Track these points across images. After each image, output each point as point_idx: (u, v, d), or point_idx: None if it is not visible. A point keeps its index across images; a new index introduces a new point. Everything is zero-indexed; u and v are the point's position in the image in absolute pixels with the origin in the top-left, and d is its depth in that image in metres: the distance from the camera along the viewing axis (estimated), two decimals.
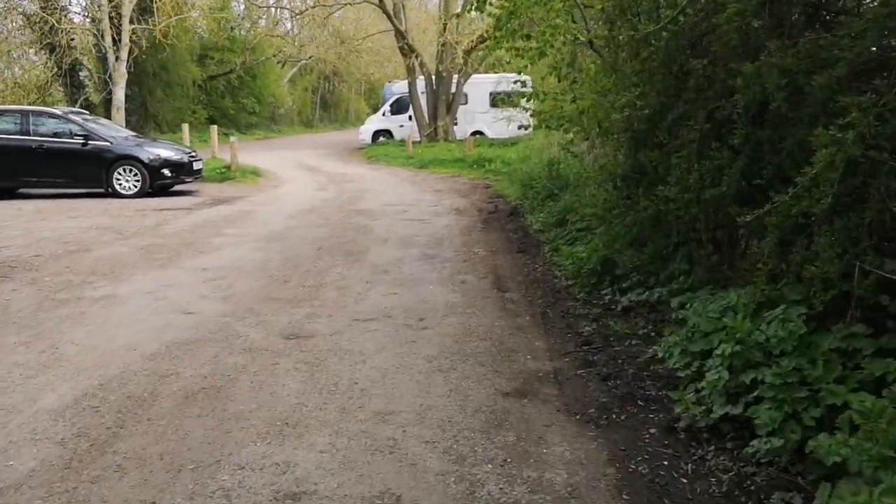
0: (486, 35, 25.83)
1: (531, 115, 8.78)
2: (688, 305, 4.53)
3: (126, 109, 32.56)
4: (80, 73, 32.03)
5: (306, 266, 7.91)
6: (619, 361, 4.70)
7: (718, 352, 3.59)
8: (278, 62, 49.80)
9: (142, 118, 34.07)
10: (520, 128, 11.16)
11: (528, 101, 8.49)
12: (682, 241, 5.34)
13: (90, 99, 32.00)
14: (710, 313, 3.98)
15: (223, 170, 18.01)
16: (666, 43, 4.39)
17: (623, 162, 5.67)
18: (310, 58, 48.55)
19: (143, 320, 5.88)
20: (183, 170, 14.90)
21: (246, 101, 43.10)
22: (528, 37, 7.06)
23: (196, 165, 15.37)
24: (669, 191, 4.72)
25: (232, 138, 18.24)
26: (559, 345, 5.17)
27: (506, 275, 7.41)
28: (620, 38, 5.87)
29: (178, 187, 15.45)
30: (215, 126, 21.69)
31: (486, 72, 31.01)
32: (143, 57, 26.92)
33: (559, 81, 8.81)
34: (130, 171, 14.27)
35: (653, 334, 5.09)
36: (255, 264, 8.01)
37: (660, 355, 4.53)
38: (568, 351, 5.01)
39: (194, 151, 15.94)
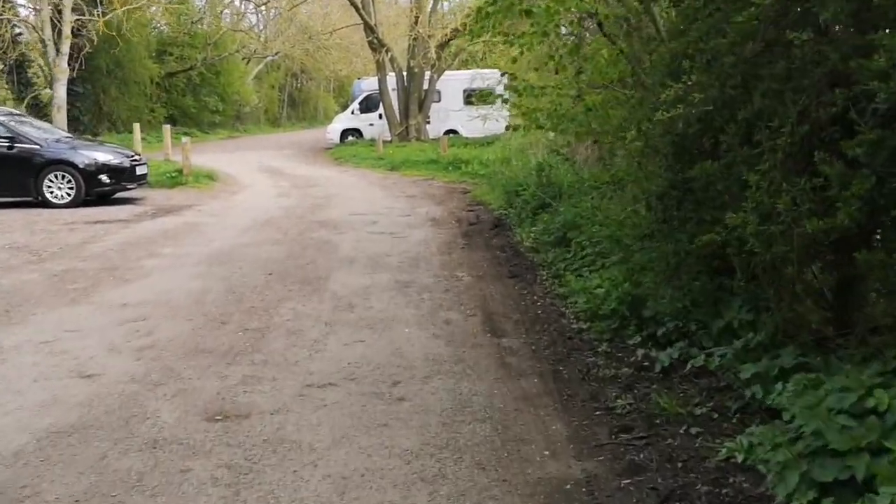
0: (460, 28, 24.41)
1: (522, 114, 7.33)
2: (779, 388, 3.15)
3: (78, 108, 30.70)
4: (28, 70, 30.06)
5: (252, 299, 6.42)
6: (679, 465, 3.29)
7: (884, 499, 2.21)
8: (243, 58, 47.94)
9: (95, 117, 32.22)
10: (508, 128, 9.71)
11: (519, 96, 7.08)
12: (748, 281, 3.97)
13: (39, 97, 30.06)
14: (839, 417, 2.60)
15: (174, 174, 16.37)
16: (759, 10, 3.00)
17: (660, 174, 4.27)
18: (276, 54, 46.80)
19: (22, 391, 4.37)
20: (124, 175, 13.25)
21: (208, 100, 41.12)
22: (528, 13, 5.65)
23: (140, 170, 13.74)
24: (745, 218, 3.34)
25: (184, 139, 16.61)
26: (586, 430, 3.76)
27: (499, 311, 5.99)
28: (655, 11, 4.50)
29: (122, 195, 13.82)
30: (168, 126, 19.99)
31: (460, 68, 29.61)
32: (91, 52, 24.98)
33: (556, 73, 7.44)
34: (63, 177, 12.61)
35: (716, 415, 3.71)
36: (190, 297, 6.51)
37: (739, 458, 3.15)
38: (601, 442, 3.60)
39: (138, 154, 14.30)
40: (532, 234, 8.30)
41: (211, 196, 14.65)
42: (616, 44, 6.01)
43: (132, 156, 13.78)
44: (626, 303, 4.97)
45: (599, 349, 4.82)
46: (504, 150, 20.33)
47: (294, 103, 60.54)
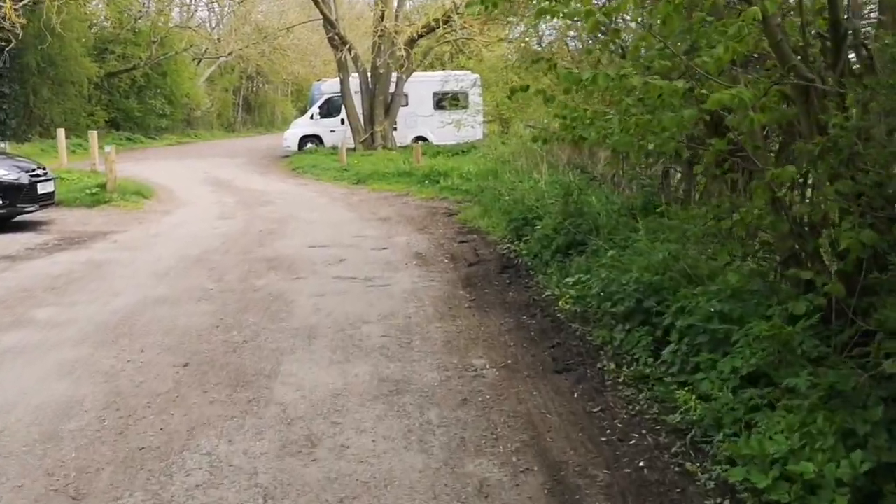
0: (433, 24, 21.98)
1: (566, 122, 4.80)
2: None
3: (4, 111, 27.54)
4: None
5: (144, 427, 3.83)
6: None
7: None
8: (193, 59, 44.86)
9: (25, 121, 29.10)
10: (537, 140, 7.01)
11: (566, 92, 4.62)
12: None
13: None
14: None
15: (96, 190, 13.57)
16: None
17: None
18: (229, 55, 43.77)
19: None
20: (20, 195, 10.45)
21: (154, 102, 37.78)
22: None
23: (43, 188, 10.95)
24: None
25: (107, 148, 13.74)
26: None
27: (568, 458, 3.48)
28: None
29: (24, 218, 11.00)
30: (95, 133, 17.06)
31: (427, 70, 27.13)
32: (17, 48, 21.98)
33: (623, 57, 5.06)
34: None
35: None
36: (37, 424, 3.89)
37: None
38: None
39: (42, 167, 11.48)
40: (571, 291, 5.79)
41: (137, 218, 11.91)
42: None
43: (33, 170, 10.98)
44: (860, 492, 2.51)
45: None
46: (488, 161, 17.94)
47: (250, 108, 57.57)
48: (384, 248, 9.00)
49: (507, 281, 7.03)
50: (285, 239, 9.69)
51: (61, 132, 18.31)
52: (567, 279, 6.10)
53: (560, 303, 5.84)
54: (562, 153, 14.18)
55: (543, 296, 6.24)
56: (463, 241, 9.30)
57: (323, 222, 11.21)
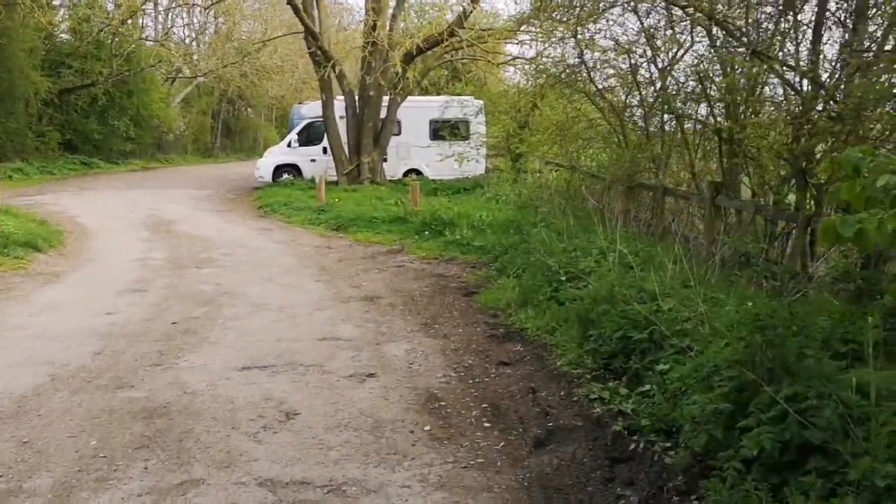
0: (436, 36, 18.29)
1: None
2: None
3: None
4: None
5: None
6: None
7: None
8: (167, 79, 40.98)
9: None
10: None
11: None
12: None
13: None
14: None
15: None
16: None
17: None
18: (204, 74, 39.98)
19: None
20: None
21: (118, 123, 33.60)
22: None
23: None
24: None
25: None
26: None
27: None
28: None
29: None
30: None
31: (420, 95, 23.39)
32: None
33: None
34: None
35: None
36: None
37: None
38: None
39: None
40: None
41: (4, 288, 7.99)
42: None
43: None
44: None
45: None
46: (502, 205, 14.19)
47: (230, 132, 53.66)
48: (370, 376, 5.13)
49: None
50: (205, 347, 5.79)
51: None
52: None
53: None
54: (616, 203, 10.49)
55: None
56: (504, 364, 5.42)
57: (277, 306, 7.30)
